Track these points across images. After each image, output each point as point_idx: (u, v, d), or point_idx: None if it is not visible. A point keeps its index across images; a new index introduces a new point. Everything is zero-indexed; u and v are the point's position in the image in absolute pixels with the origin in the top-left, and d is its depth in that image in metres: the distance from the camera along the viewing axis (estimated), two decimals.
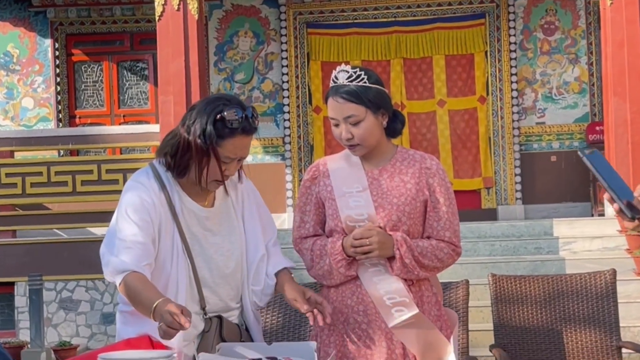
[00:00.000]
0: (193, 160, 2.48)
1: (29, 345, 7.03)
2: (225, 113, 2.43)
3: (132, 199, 2.49)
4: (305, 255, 2.73)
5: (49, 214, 8.10)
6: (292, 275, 2.64)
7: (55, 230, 8.16)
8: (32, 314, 6.71)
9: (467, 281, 3.58)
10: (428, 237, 2.68)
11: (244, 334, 2.62)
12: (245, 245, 2.63)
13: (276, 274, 2.62)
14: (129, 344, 2.45)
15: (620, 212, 1.88)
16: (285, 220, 9.06)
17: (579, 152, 1.87)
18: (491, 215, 9.66)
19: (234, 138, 2.46)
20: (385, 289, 2.61)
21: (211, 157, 2.46)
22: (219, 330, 2.55)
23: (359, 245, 2.58)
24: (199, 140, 2.44)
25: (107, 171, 7.89)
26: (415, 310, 2.61)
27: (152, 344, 2.45)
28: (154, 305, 2.31)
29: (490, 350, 3.80)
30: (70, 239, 7.84)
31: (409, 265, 2.61)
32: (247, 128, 2.47)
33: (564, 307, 3.86)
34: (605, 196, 1.92)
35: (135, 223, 2.45)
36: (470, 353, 3.52)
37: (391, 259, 2.63)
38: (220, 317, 2.58)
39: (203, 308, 2.57)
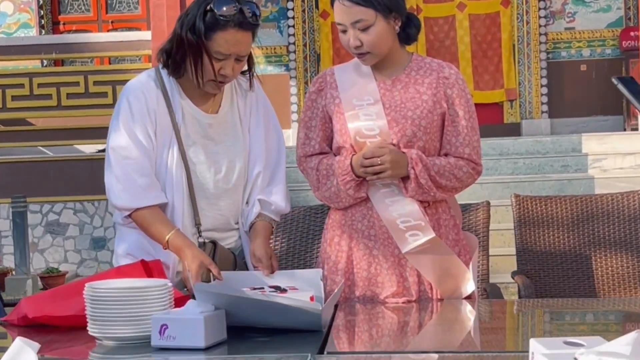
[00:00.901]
0: (187, 57, 2.50)
1: (13, 272, 7.09)
2: (214, 4, 2.44)
3: (129, 104, 2.52)
4: (310, 175, 2.70)
5: (33, 130, 8.07)
6: (273, 229, 2.65)
7: (39, 147, 8.14)
8: (16, 239, 6.75)
9: (488, 202, 3.53)
10: (445, 155, 2.66)
11: (239, 262, 2.64)
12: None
13: (257, 218, 2.62)
14: (121, 272, 2.45)
15: None
16: (290, 136, 9.03)
17: (613, 80, 1.80)
18: (514, 130, 9.60)
19: (226, 32, 2.45)
20: (399, 211, 2.59)
21: (203, 52, 2.47)
22: (212, 257, 2.55)
23: (369, 165, 2.54)
24: (189, 34, 2.46)
25: (95, 83, 7.82)
26: (432, 235, 2.59)
27: (147, 271, 2.46)
28: (166, 240, 2.48)
29: (513, 277, 3.79)
30: (56, 157, 7.83)
31: (425, 186, 2.58)
32: (241, 21, 2.46)
33: (593, 230, 3.83)
34: None
35: (130, 137, 2.50)
36: (490, 280, 3.50)
37: (405, 179, 2.59)
38: (214, 243, 2.59)
39: (197, 226, 2.57)
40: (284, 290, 2.34)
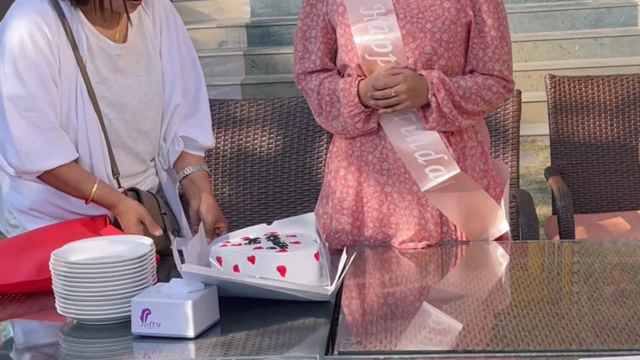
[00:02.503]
0: None
1: None
2: None
3: (21, 39, 2.36)
4: (310, 97, 2.62)
5: None
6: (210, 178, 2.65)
7: None
8: None
9: (519, 92, 3.44)
10: (471, 72, 2.57)
11: (161, 203, 2.64)
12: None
13: (184, 161, 2.63)
14: (70, 227, 2.44)
15: None
16: None
17: None
18: None
19: None
20: (417, 142, 2.52)
21: None
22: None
23: (381, 97, 2.43)
24: None
25: None
26: (456, 170, 2.53)
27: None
28: (91, 196, 2.45)
29: (546, 177, 3.75)
30: None
31: (449, 115, 2.50)
32: None
33: None
34: None
35: (29, 83, 2.36)
36: (520, 184, 3.47)
37: (425, 107, 2.51)
38: (136, 191, 2.58)
39: (116, 176, 2.55)
40: (283, 247, 2.28)
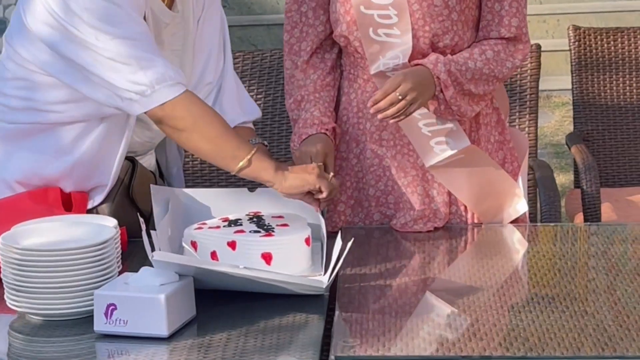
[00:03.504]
0: None
1: None
2: None
3: None
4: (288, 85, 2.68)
5: None
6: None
7: None
8: None
9: (539, 47, 3.44)
10: (484, 30, 2.58)
11: (159, 182, 2.69)
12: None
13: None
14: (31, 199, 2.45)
15: None
16: None
17: None
18: None
19: None
20: (422, 110, 2.53)
21: None
22: (130, 178, 2.59)
23: (389, 105, 2.40)
24: None
25: None
26: (466, 143, 2.55)
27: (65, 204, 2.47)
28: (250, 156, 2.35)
29: (568, 145, 3.76)
30: None
31: (459, 109, 2.53)
32: None
33: None
34: None
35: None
36: (538, 155, 3.48)
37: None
38: (133, 161, 2.61)
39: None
40: (268, 231, 2.29)
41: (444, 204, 2.60)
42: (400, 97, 2.42)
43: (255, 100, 3.47)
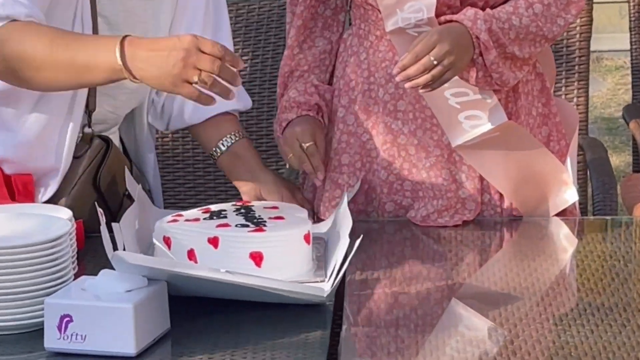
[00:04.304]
0: None
1: None
2: None
3: None
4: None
5: None
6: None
7: None
8: None
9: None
10: None
11: (134, 169, 2.72)
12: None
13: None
14: None
15: None
16: None
17: None
18: None
19: None
20: None
21: None
22: (101, 160, 2.62)
23: (421, 72, 2.41)
24: None
25: None
26: (503, 119, 2.54)
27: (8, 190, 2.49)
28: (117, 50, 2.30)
29: (625, 119, 3.76)
30: None
31: (501, 77, 2.52)
32: None
33: None
34: None
35: None
36: (589, 132, 3.47)
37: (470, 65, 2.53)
38: (107, 142, 2.64)
39: (89, 112, 2.61)
40: (259, 225, 2.27)
41: (474, 191, 2.60)
42: (435, 62, 2.41)
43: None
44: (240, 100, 2.71)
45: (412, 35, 2.49)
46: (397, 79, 2.43)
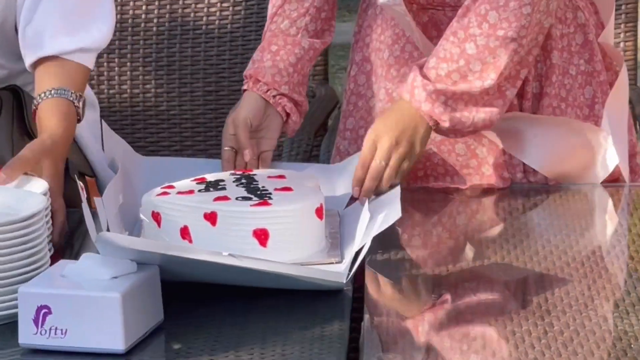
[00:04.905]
0: None
1: None
2: None
3: None
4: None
5: None
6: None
7: None
8: None
9: None
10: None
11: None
12: None
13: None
14: None
15: None
16: None
17: None
18: None
19: None
20: None
21: None
22: (13, 113, 2.68)
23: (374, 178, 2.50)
24: None
25: None
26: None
27: None
28: None
29: None
30: None
31: (480, 119, 2.56)
32: None
33: None
34: None
35: None
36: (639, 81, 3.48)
37: None
38: (17, 91, 2.69)
39: None
40: (264, 198, 2.27)
41: (501, 166, 2.67)
42: (383, 163, 2.47)
43: (232, 10, 3.45)
44: (85, 39, 2.69)
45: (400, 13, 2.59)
46: (360, 199, 2.47)
